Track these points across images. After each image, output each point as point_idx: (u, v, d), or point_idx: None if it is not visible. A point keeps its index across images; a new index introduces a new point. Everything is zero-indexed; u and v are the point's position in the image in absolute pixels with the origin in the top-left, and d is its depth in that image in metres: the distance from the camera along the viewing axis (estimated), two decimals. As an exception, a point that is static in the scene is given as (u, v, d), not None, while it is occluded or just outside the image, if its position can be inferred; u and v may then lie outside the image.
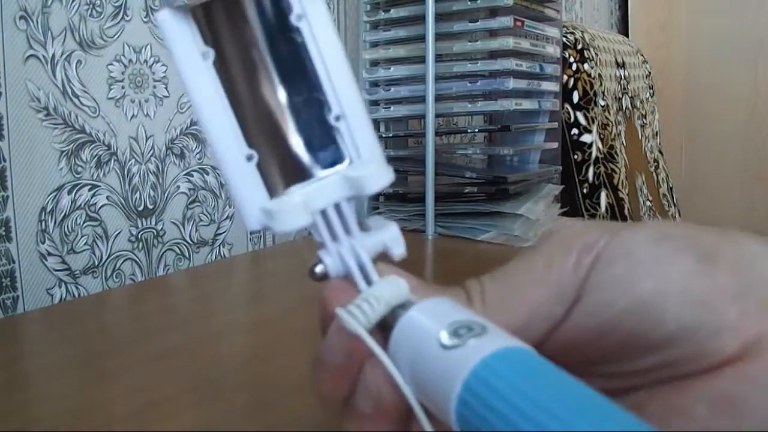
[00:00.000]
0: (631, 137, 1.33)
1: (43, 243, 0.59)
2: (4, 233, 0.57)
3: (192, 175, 0.72)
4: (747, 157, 1.64)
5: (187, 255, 0.73)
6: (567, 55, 1.14)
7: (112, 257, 0.65)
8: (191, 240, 0.73)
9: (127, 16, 0.65)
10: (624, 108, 1.32)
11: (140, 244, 0.68)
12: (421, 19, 0.78)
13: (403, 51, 0.83)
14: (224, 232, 0.77)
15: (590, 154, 1.14)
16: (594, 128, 1.15)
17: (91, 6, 0.62)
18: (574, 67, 1.15)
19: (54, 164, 0.60)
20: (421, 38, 0.79)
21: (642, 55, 1.48)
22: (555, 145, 0.93)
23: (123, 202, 0.66)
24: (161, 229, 0.70)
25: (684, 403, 0.21)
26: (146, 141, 0.67)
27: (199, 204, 0.73)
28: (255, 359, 0.45)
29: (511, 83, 0.79)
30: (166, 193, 0.70)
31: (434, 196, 0.78)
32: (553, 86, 0.90)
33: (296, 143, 0.25)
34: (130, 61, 0.66)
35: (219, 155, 0.24)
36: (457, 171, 0.82)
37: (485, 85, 0.80)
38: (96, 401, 0.38)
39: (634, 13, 1.80)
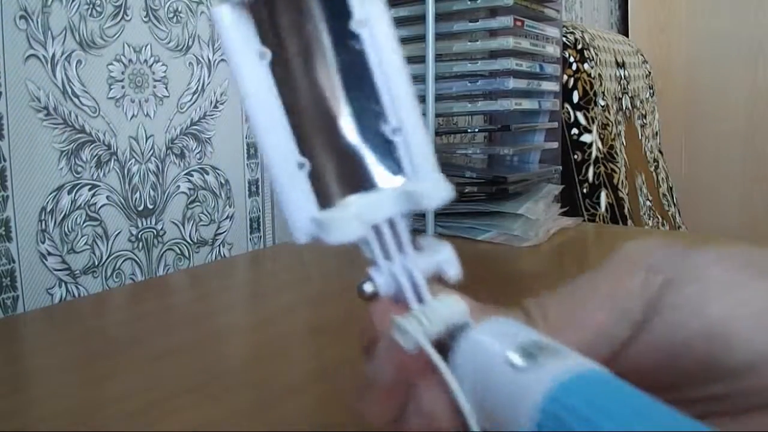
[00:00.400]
0: (631, 137, 1.33)
1: (43, 243, 0.59)
2: (4, 233, 0.57)
3: (192, 175, 0.72)
4: (747, 156, 1.63)
5: (187, 255, 0.73)
6: (567, 55, 1.14)
7: (112, 257, 0.65)
8: (191, 240, 0.73)
9: (127, 15, 0.65)
10: (624, 108, 1.32)
11: (140, 244, 0.68)
12: (421, 19, 0.78)
13: (403, 51, 0.83)
14: (224, 232, 0.77)
15: (590, 153, 1.14)
16: (594, 128, 1.15)
17: (91, 6, 0.62)
18: (574, 66, 1.15)
19: (54, 164, 0.60)
20: (421, 38, 0.78)
21: (642, 55, 1.48)
22: (555, 144, 0.93)
23: (123, 201, 0.66)
24: (161, 229, 0.70)
25: None
26: (146, 141, 0.67)
27: (199, 204, 0.73)
28: (255, 359, 0.45)
29: (511, 83, 0.79)
30: (166, 193, 0.70)
31: (434, 196, 0.78)
32: (553, 86, 0.90)
33: (354, 153, 0.24)
34: (130, 60, 0.66)
35: (270, 161, 0.23)
36: (457, 171, 0.82)
37: (485, 84, 0.80)
38: (96, 401, 0.38)
39: (634, 13, 1.79)
